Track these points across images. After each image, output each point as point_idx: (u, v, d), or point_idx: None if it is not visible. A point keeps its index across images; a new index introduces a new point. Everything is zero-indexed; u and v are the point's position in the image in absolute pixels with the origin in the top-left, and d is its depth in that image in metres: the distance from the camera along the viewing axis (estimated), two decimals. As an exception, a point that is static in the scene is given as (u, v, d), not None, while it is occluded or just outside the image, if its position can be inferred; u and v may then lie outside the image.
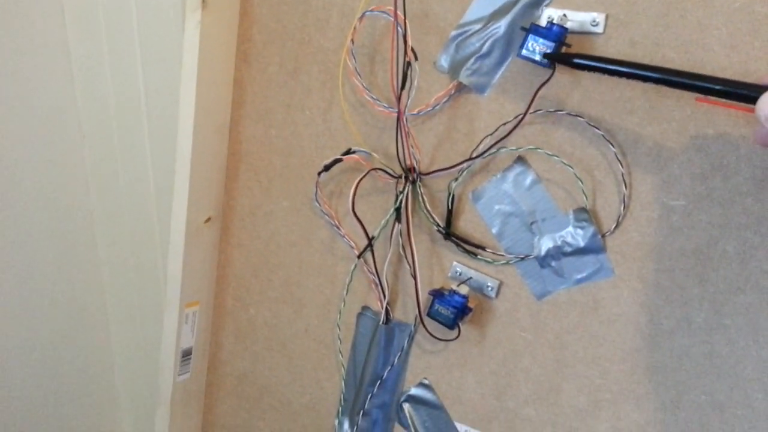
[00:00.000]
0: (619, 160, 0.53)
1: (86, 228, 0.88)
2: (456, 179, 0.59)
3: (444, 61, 0.59)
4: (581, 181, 0.54)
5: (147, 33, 0.78)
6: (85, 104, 0.84)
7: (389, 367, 0.65)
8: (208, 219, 0.72)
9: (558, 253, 0.56)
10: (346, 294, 0.67)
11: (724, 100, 0.46)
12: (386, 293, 0.64)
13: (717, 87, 0.45)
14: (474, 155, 0.58)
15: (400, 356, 0.65)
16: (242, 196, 0.72)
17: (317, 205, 0.67)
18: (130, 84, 0.80)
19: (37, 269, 0.83)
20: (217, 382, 0.78)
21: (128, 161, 0.85)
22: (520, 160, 0.57)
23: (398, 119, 0.59)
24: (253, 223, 0.72)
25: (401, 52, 0.58)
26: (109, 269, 0.91)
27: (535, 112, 0.55)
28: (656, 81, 0.48)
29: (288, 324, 0.72)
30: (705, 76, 0.46)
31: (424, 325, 0.61)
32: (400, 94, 0.58)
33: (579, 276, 0.56)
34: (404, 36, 0.57)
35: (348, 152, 0.64)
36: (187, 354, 0.74)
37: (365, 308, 0.67)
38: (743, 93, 0.44)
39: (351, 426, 0.68)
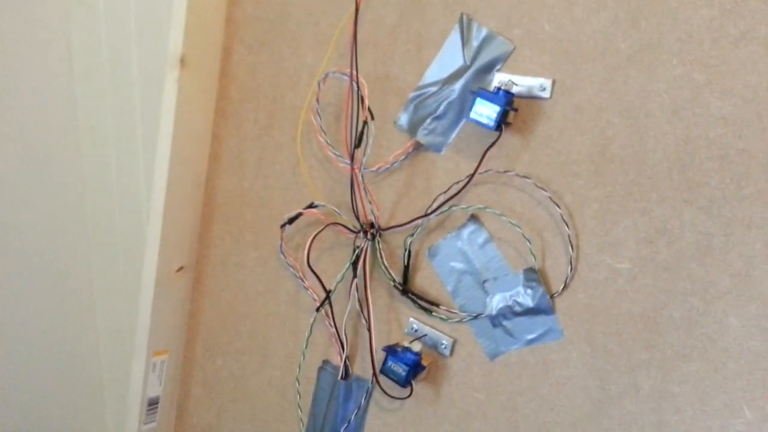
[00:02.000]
0: (565, 222, 0.53)
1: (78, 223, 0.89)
2: (412, 235, 0.60)
3: (403, 120, 0.60)
4: (529, 241, 0.54)
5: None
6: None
7: (346, 424, 0.65)
8: (180, 268, 0.74)
9: (509, 312, 0.56)
10: (306, 347, 0.67)
11: None
12: (345, 347, 0.64)
13: None
14: (428, 212, 0.59)
15: (357, 413, 0.64)
16: (215, 246, 0.74)
17: (282, 257, 0.68)
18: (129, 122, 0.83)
19: (30, 292, 0.84)
20: (183, 432, 0.78)
21: (125, 193, 0.86)
22: (473, 218, 0.58)
23: (352, 175, 0.60)
24: (224, 273, 0.74)
25: (359, 112, 0.60)
26: (99, 272, 0.91)
27: (485, 172, 0.56)
28: None
29: (253, 375, 0.72)
30: None
31: (378, 383, 0.61)
32: (354, 151, 0.59)
33: (530, 336, 0.55)
34: (360, 96, 0.59)
35: (310, 206, 0.65)
36: (153, 403, 0.74)
37: (326, 362, 0.67)
38: None
39: (308, 483, 0.67)
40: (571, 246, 0.53)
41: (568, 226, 0.53)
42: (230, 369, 0.74)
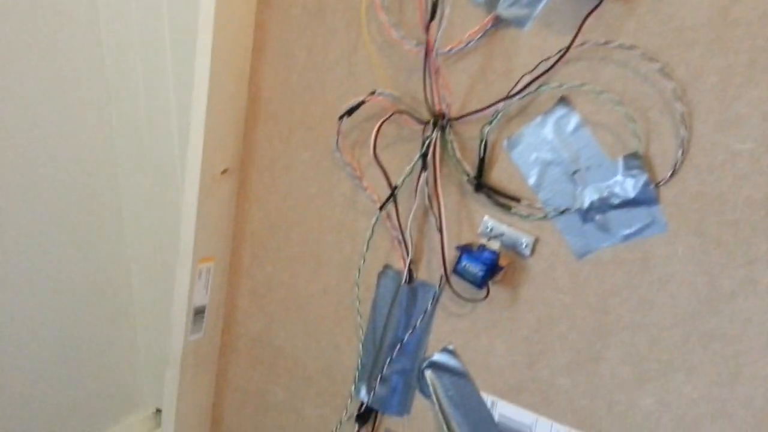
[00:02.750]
0: (678, 98, 0.46)
1: (109, 177, 0.85)
2: (490, 123, 0.54)
3: (480, -7, 0.53)
4: (634, 122, 0.48)
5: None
6: (111, 49, 0.81)
7: (411, 331, 0.61)
8: (225, 170, 0.68)
9: (604, 205, 0.50)
10: (367, 251, 0.62)
11: None
12: (410, 250, 0.59)
13: None
14: (511, 94, 0.52)
15: (422, 319, 0.60)
16: (261, 147, 0.68)
17: (338, 155, 0.62)
18: (154, 24, 0.77)
19: (59, 224, 0.81)
20: (230, 343, 0.75)
21: (152, 106, 0.81)
22: (564, 101, 0.51)
23: (426, 54, 0.53)
24: (271, 176, 0.68)
25: (433, -19, 0.52)
26: (132, 223, 0.88)
27: (581, 45, 0.49)
28: None
29: (305, 284, 0.68)
30: None
31: (449, 284, 0.56)
32: (429, 24, 0.52)
33: (627, 231, 0.50)
34: (436, -40, 0.51)
35: (372, 94, 0.59)
36: (200, 312, 0.70)
37: (387, 267, 0.62)
38: None
39: (368, 392, 0.64)
40: (684, 125, 0.46)
41: (681, 103, 0.46)
42: (280, 277, 0.69)
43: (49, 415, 0.85)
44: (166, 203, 0.85)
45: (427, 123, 0.56)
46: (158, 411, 1.00)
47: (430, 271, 0.60)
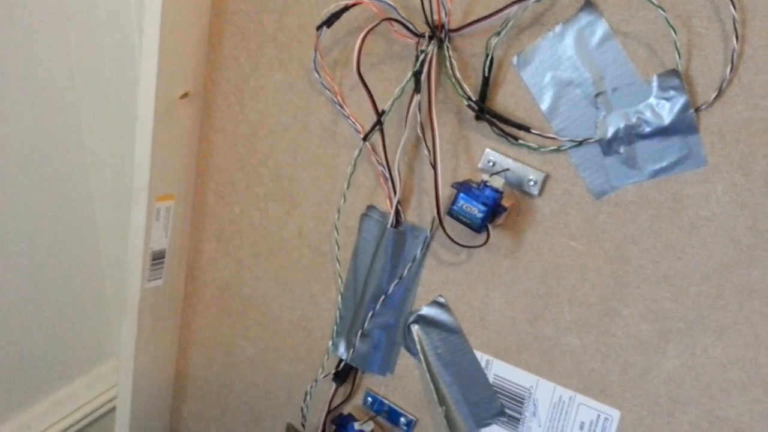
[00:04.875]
0: (731, 1, 0.38)
1: (69, 105, 0.75)
2: (498, 34, 0.44)
3: None
4: (674, 31, 0.39)
5: None
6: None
7: (396, 281, 0.53)
8: (185, 95, 0.59)
9: (631, 134, 0.42)
10: (348, 188, 0.54)
11: None
12: (397, 189, 0.51)
13: None
14: (524, -2, 0.43)
15: (410, 267, 0.52)
16: (226, 68, 0.59)
17: (316, 75, 0.53)
18: None
19: (19, 158, 0.71)
20: (195, 292, 0.67)
21: (113, 21, 0.70)
22: (589, 6, 0.42)
23: (424, -56, 0.43)
24: (239, 102, 0.59)
25: None
26: (94, 158, 0.79)
27: (615, -66, 0.40)
28: None
29: (278, 226, 0.60)
30: None
31: (443, 227, 0.48)
32: None
33: (657, 166, 0.42)
34: None
35: (356, -1, 0.49)
36: (158, 257, 0.62)
37: (371, 208, 0.54)
38: None
39: (347, 348, 0.57)
40: (736, 36, 0.38)
41: (734, 7, 0.37)
42: (250, 218, 0.61)
43: (15, 367, 0.78)
44: (129, 134, 0.75)
45: (421, 36, 0.47)
46: (128, 361, 0.93)
47: (420, 213, 0.52)
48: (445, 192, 0.48)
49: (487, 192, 0.45)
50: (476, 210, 0.45)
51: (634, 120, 0.42)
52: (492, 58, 0.45)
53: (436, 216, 0.49)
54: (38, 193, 0.74)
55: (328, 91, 0.53)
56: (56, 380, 0.86)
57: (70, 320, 0.84)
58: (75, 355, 0.87)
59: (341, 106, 0.53)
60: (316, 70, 0.53)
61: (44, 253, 0.78)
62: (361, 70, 0.48)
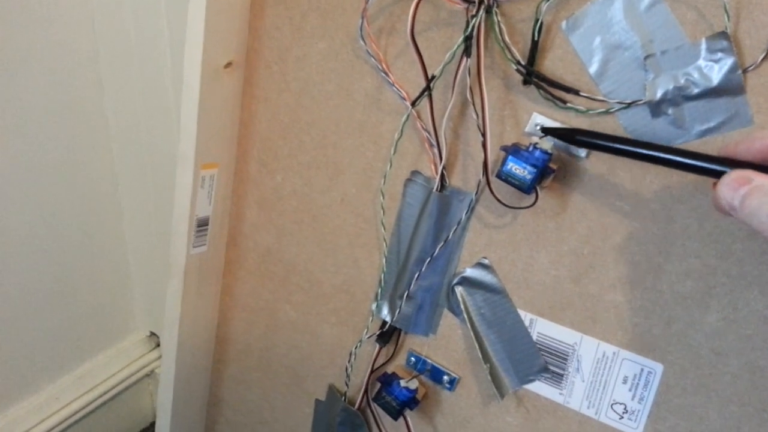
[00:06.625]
0: (785, -37, 0.39)
1: (93, 83, 0.76)
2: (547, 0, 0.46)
3: None
4: (726, -7, 0.40)
5: None
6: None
7: (441, 243, 0.55)
8: (229, 63, 0.60)
9: (679, 96, 0.43)
10: (394, 154, 0.55)
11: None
12: (443, 154, 0.53)
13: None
14: (576, -36, 0.44)
15: (455, 231, 0.54)
16: (269, 37, 0.60)
17: (362, 44, 0.54)
18: None
19: (43, 142, 0.73)
20: (237, 258, 0.69)
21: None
22: (639, -30, 0.43)
23: None
24: (282, 72, 0.60)
25: None
26: (116, 123, 0.80)
27: None
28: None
29: (321, 193, 0.61)
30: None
31: (490, 188, 0.50)
32: None
33: (704, 126, 0.43)
34: None
35: (406, -33, 0.50)
36: (203, 224, 0.64)
37: (415, 173, 0.56)
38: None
39: (391, 311, 0.58)
40: (788, -3, 0.39)
41: (787, -31, 0.39)
42: (293, 186, 0.63)
43: (39, 341, 0.80)
44: (154, 106, 0.76)
45: (471, 2, 0.48)
46: (152, 334, 0.95)
47: (464, 178, 0.54)
48: (492, 156, 0.50)
49: (537, 154, 0.47)
50: (526, 172, 0.47)
51: (682, 82, 0.43)
52: (541, 24, 0.46)
53: (482, 179, 0.50)
54: (62, 168, 0.75)
55: (373, 59, 0.54)
56: (82, 354, 0.88)
57: (94, 295, 0.86)
58: (99, 330, 0.89)
59: (386, 74, 0.54)
60: (362, 38, 0.54)
61: (68, 229, 0.79)
62: (414, 29, 0.49)
